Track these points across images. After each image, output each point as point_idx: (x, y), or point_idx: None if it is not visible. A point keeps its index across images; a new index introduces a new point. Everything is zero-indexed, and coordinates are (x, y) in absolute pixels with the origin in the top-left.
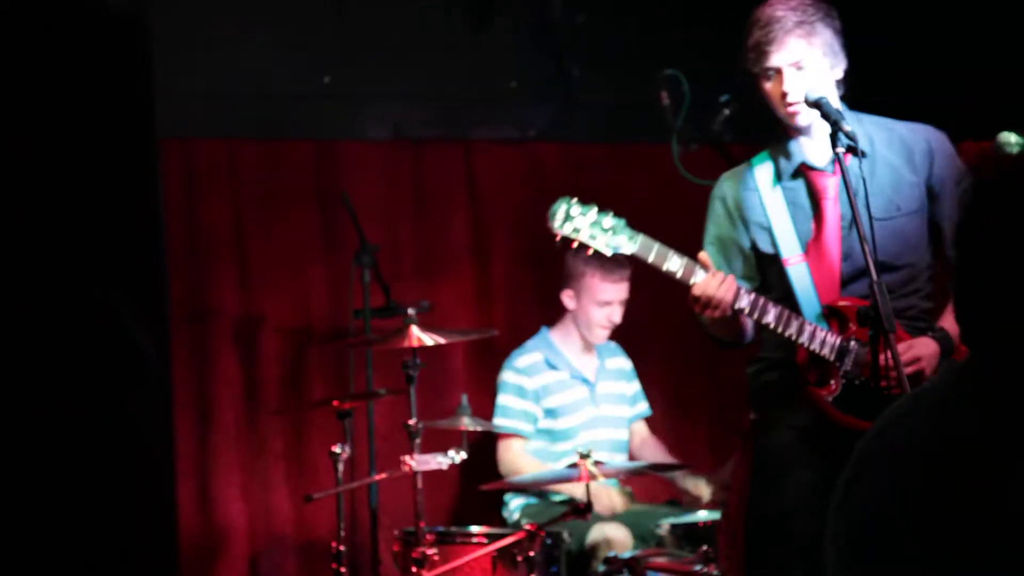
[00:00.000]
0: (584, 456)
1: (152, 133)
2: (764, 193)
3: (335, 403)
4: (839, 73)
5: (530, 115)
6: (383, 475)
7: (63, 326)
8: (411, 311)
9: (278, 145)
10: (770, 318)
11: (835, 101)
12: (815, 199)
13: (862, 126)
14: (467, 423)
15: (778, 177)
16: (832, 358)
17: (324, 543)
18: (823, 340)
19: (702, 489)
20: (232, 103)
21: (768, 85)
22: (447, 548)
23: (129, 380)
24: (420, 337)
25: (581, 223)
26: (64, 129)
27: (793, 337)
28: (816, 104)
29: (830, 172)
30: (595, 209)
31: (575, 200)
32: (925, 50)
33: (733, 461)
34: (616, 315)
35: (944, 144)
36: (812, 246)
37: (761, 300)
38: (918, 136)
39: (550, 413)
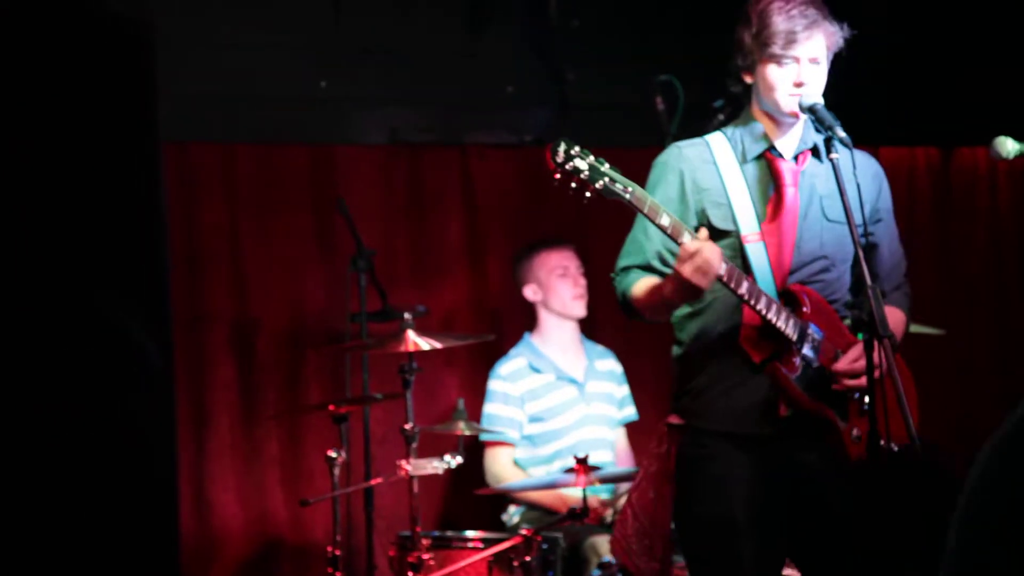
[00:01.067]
0: (581, 461)
1: (155, 136)
2: (724, 170)
3: (331, 407)
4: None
5: (526, 120)
6: (379, 479)
7: (67, 329)
8: (407, 316)
9: (274, 149)
10: (744, 289)
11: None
12: (776, 183)
13: (821, 135)
14: (463, 428)
15: (741, 158)
16: (795, 338)
17: (320, 547)
18: (787, 318)
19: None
20: (228, 107)
21: (777, 71)
22: (443, 553)
23: (132, 382)
24: (416, 342)
25: (582, 164)
26: (68, 132)
27: (762, 312)
28: (811, 109)
29: (793, 163)
30: (592, 155)
31: (574, 141)
32: (919, 56)
33: (643, 466)
34: (580, 282)
35: (883, 174)
36: (767, 229)
37: (736, 270)
38: (869, 160)
39: (536, 418)
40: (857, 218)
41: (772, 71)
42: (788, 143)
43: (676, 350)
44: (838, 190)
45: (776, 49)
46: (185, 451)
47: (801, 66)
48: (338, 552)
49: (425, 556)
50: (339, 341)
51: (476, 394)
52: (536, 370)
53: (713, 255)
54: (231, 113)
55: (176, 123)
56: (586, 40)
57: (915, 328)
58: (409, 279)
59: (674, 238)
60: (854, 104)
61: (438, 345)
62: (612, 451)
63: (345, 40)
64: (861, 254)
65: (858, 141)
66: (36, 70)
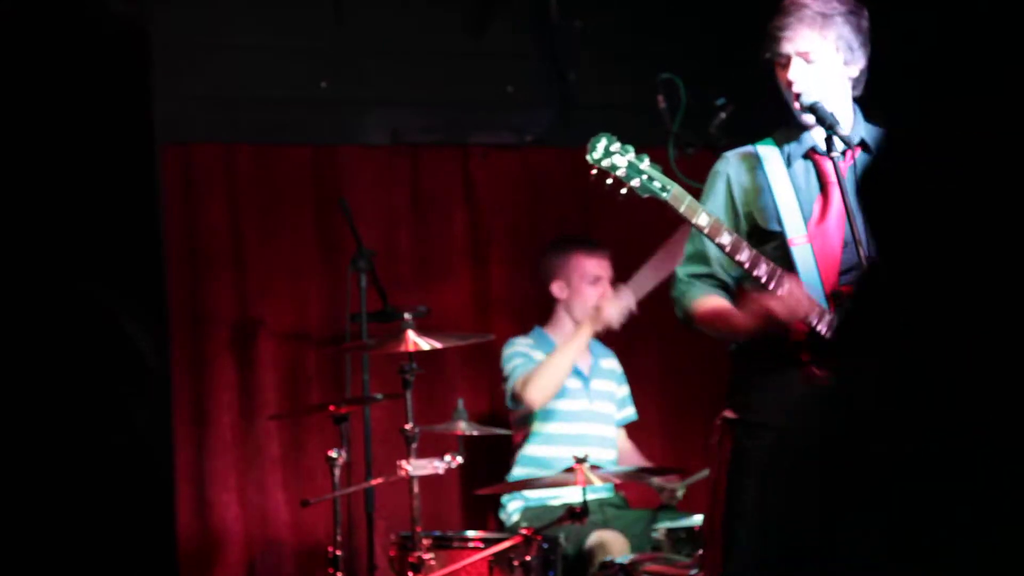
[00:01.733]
0: (581, 460)
1: (151, 138)
2: (771, 173)
3: (332, 408)
4: (854, 71)
5: (527, 120)
6: (379, 480)
7: (62, 329)
8: (408, 316)
9: (275, 150)
10: (763, 270)
11: (844, 100)
12: (822, 183)
13: (864, 125)
14: (463, 428)
15: (787, 161)
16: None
17: (321, 548)
18: (830, 323)
19: (674, 485)
20: (230, 108)
21: (778, 71)
22: (443, 553)
23: (128, 383)
24: (417, 342)
25: (620, 160)
26: (64, 133)
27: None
28: (811, 108)
29: (840, 160)
30: (634, 150)
31: (615, 137)
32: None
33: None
34: (609, 294)
35: None
36: (815, 229)
37: (778, 269)
38: None
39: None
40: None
41: (777, 71)
42: (835, 139)
43: (733, 346)
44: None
45: (766, 51)
46: (185, 451)
47: (792, 64)
48: (339, 552)
49: (426, 556)
50: (340, 341)
51: (476, 394)
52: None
53: (801, 291)
54: (233, 114)
55: (178, 124)
56: (588, 40)
57: None
58: (410, 279)
59: (712, 237)
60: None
61: (438, 345)
62: (615, 449)
63: (347, 40)
64: (862, 254)
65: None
66: (32, 69)
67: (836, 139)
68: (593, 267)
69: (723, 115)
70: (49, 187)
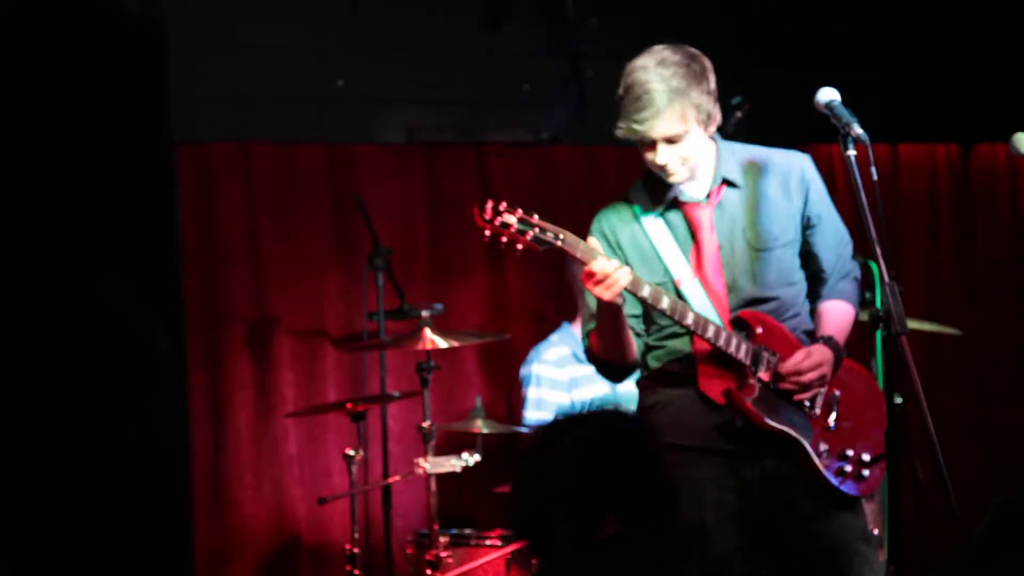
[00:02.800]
0: None
1: (168, 136)
2: (645, 223)
3: (349, 405)
4: (712, 129)
5: (543, 118)
6: (396, 477)
7: (79, 327)
8: (425, 314)
9: (292, 148)
10: (689, 320)
11: (706, 150)
12: (692, 230)
13: (735, 156)
14: (481, 425)
15: (656, 208)
16: (748, 363)
17: (338, 545)
18: (738, 345)
19: None
20: (246, 107)
21: (645, 153)
22: (461, 551)
23: (145, 381)
24: (434, 340)
25: (510, 218)
26: (80, 132)
27: (712, 340)
28: (828, 107)
29: (704, 204)
30: (521, 209)
31: (500, 200)
32: (940, 54)
33: None
34: None
35: (815, 172)
36: (697, 273)
37: (679, 303)
38: (792, 163)
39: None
40: (793, 227)
41: (642, 152)
42: (698, 186)
43: (641, 376)
44: (768, 211)
45: (625, 132)
46: (202, 449)
47: (659, 149)
48: (356, 550)
49: (443, 554)
50: (357, 339)
51: (493, 392)
52: (580, 360)
53: (619, 273)
54: (249, 113)
55: (194, 123)
56: (603, 38)
57: (933, 327)
58: (426, 277)
59: (583, 262)
60: (872, 101)
61: (455, 343)
62: None
63: (363, 39)
64: (882, 261)
65: (875, 138)
66: (49, 69)
67: (851, 137)
68: None
69: (739, 114)
70: (66, 185)
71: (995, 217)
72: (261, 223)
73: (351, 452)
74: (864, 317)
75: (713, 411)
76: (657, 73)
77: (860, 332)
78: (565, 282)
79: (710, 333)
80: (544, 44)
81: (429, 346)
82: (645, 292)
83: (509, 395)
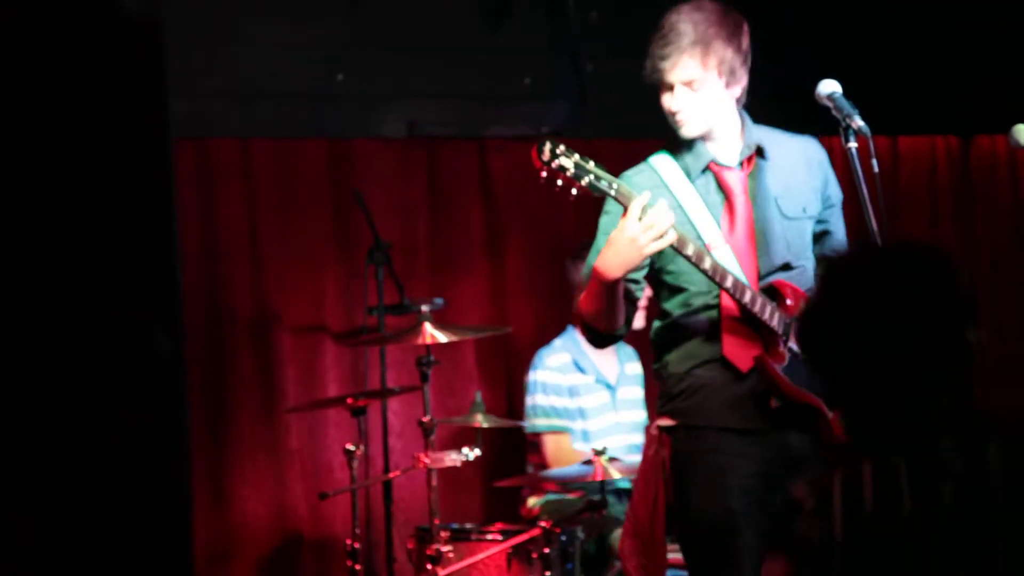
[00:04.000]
0: (599, 453)
1: (166, 133)
2: (675, 189)
3: (349, 401)
4: (736, 92)
5: (544, 112)
6: (397, 472)
7: (79, 327)
8: (425, 308)
9: (292, 144)
10: (729, 283)
11: (731, 116)
12: (725, 194)
13: (760, 131)
14: (481, 420)
15: (688, 175)
16: (779, 330)
17: (339, 540)
18: (772, 312)
19: None
20: (247, 102)
21: (663, 97)
22: (462, 545)
23: (144, 379)
24: (434, 334)
25: (567, 162)
26: (79, 130)
27: (748, 305)
28: (829, 98)
29: (738, 170)
30: (577, 154)
31: (559, 142)
32: (940, 46)
33: (640, 472)
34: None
35: (828, 158)
36: (728, 237)
37: (719, 266)
38: (813, 147)
39: (580, 413)
40: (816, 203)
41: (660, 94)
42: (730, 151)
43: (656, 364)
44: (796, 185)
45: (648, 77)
46: (204, 445)
47: (676, 92)
48: (357, 545)
49: (444, 548)
50: (357, 334)
51: (493, 387)
52: (580, 369)
53: (665, 219)
54: (249, 109)
55: (196, 119)
56: (604, 32)
57: None
58: (427, 272)
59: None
60: (872, 93)
61: (456, 338)
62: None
63: (362, 34)
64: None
65: (876, 130)
66: (48, 66)
67: (852, 129)
68: None
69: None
70: (65, 183)
71: (995, 208)
72: (262, 219)
73: (352, 447)
74: None
75: (741, 390)
76: (690, 16)
77: None
78: (566, 280)
79: (747, 298)
80: (545, 39)
81: (429, 341)
82: (690, 250)
83: (509, 390)
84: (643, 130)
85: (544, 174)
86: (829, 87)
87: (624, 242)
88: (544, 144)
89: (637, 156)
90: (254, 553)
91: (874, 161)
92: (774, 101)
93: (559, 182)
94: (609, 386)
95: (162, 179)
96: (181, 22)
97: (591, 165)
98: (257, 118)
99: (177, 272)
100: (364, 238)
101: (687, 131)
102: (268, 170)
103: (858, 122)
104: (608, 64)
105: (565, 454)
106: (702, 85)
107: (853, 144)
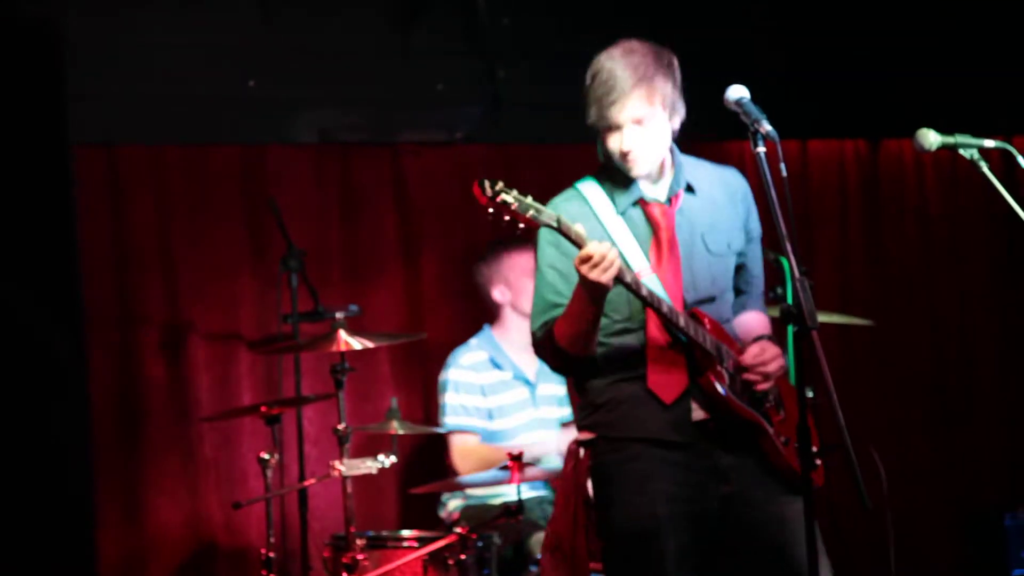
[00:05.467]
0: (515, 458)
1: (65, 139)
2: (604, 218)
3: (263, 409)
4: (677, 123)
5: (457, 117)
6: (312, 480)
7: None
8: (340, 315)
9: (204, 150)
10: (665, 308)
11: (667, 150)
12: (653, 228)
13: (689, 165)
14: (397, 427)
15: (619, 210)
16: (713, 352)
17: (254, 550)
18: (704, 335)
19: None
20: (157, 108)
21: (609, 139)
22: (378, 552)
23: (44, 384)
24: (349, 341)
25: (508, 198)
26: None
27: (684, 329)
28: (737, 104)
29: (666, 205)
30: (515, 190)
31: (496, 180)
32: (848, 51)
33: (558, 490)
34: None
35: (750, 190)
36: (656, 268)
37: (654, 294)
38: (737, 180)
39: (490, 413)
40: (739, 239)
41: (606, 138)
42: (659, 188)
43: (580, 382)
44: (721, 220)
45: (596, 121)
46: (115, 455)
47: (624, 132)
48: (272, 554)
49: (360, 556)
50: (271, 342)
51: (410, 393)
52: (497, 366)
53: (613, 255)
54: (160, 114)
55: (104, 125)
56: (516, 37)
57: (844, 319)
58: (341, 279)
59: (581, 244)
60: (784, 98)
61: (371, 345)
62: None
63: (273, 39)
64: (792, 257)
65: (785, 135)
66: None
67: (760, 134)
68: (528, 260)
69: None
70: None
71: (903, 209)
72: (174, 226)
73: (266, 456)
74: (775, 313)
75: (659, 404)
76: (626, 59)
77: (772, 327)
78: (475, 284)
79: (682, 322)
80: (457, 44)
81: (344, 348)
82: (628, 278)
83: (425, 396)
84: (556, 134)
85: (491, 210)
86: (737, 92)
87: (589, 273)
88: (484, 181)
89: (550, 159)
90: (168, 563)
91: (782, 165)
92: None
93: (507, 216)
94: (528, 382)
95: (61, 185)
96: (92, 26)
97: (529, 200)
98: (169, 124)
99: (77, 278)
100: (278, 245)
101: (639, 170)
102: (179, 177)
103: (766, 127)
104: (520, 69)
105: (471, 454)
106: (650, 121)
107: (761, 148)
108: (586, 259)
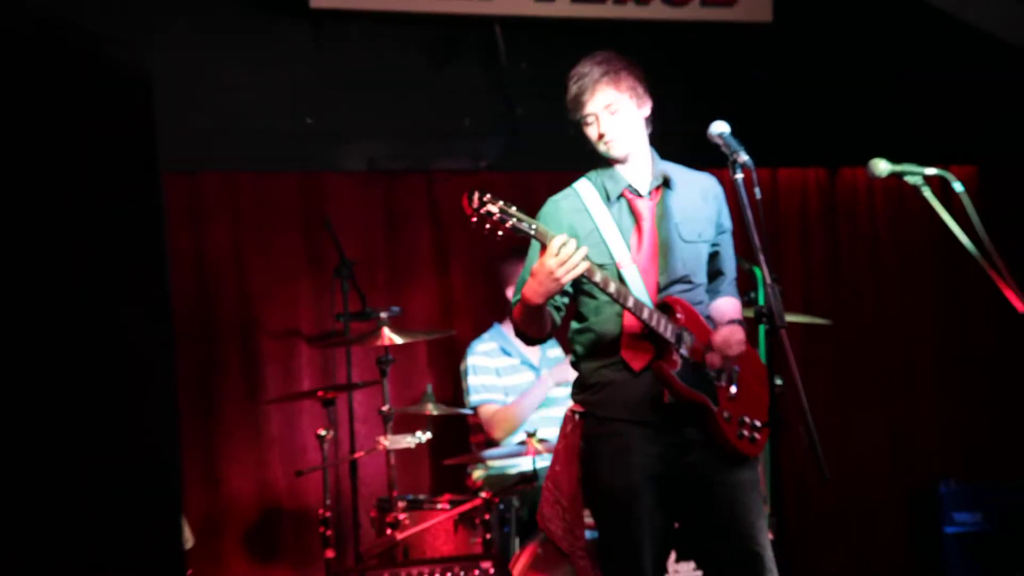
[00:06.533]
0: (531, 435)
1: (156, 168)
2: (594, 212)
3: (320, 393)
4: (647, 111)
5: (482, 148)
6: (361, 453)
7: (86, 337)
8: (383, 315)
9: (270, 177)
10: (630, 303)
11: (643, 142)
12: (635, 219)
13: (666, 165)
14: (431, 408)
15: (606, 199)
16: (672, 340)
17: (313, 511)
18: (665, 324)
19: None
20: (231, 140)
21: (588, 129)
22: (416, 513)
23: (138, 381)
24: (391, 337)
25: (492, 208)
26: (80, 168)
27: (646, 320)
28: (719, 137)
29: (646, 199)
30: (501, 201)
31: (485, 191)
32: (808, 88)
33: (556, 449)
34: None
35: (723, 192)
36: (636, 258)
37: (623, 288)
38: (710, 182)
39: (505, 391)
40: (711, 230)
41: (585, 130)
42: (642, 181)
43: (572, 358)
44: (693, 213)
45: (575, 115)
46: (197, 435)
47: (600, 118)
48: (328, 514)
49: (401, 516)
50: (326, 337)
51: (442, 380)
52: (507, 353)
53: (579, 254)
54: (233, 146)
55: (186, 155)
56: (532, 80)
57: (807, 319)
58: (385, 284)
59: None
60: (757, 132)
61: (409, 339)
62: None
63: (327, 84)
64: (765, 267)
65: (760, 163)
66: (54, 112)
67: (738, 163)
68: None
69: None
70: (68, 214)
71: (856, 227)
72: (245, 240)
73: (323, 432)
74: (749, 314)
75: (639, 388)
76: (593, 60)
77: (746, 326)
78: (498, 284)
79: (644, 315)
80: (482, 85)
81: (387, 342)
82: (598, 277)
83: (455, 383)
84: (565, 163)
85: (474, 219)
86: (719, 127)
87: (543, 274)
88: (473, 193)
89: (561, 184)
90: (241, 522)
91: (757, 189)
92: (675, 136)
93: (487, 225)
94: (533, 367)
95: (154, 207)
96: (174, 69)
97: (513, 210)
98: (239, 154)
99: (167, 284)
100: (331, 256)
101: (616, 150)
102: (249, 199)
103: (743, 157)
104: (536, 107)
105: (497, 415)
106: (619, 106)
107: (740, 175)
108: (547, 261)
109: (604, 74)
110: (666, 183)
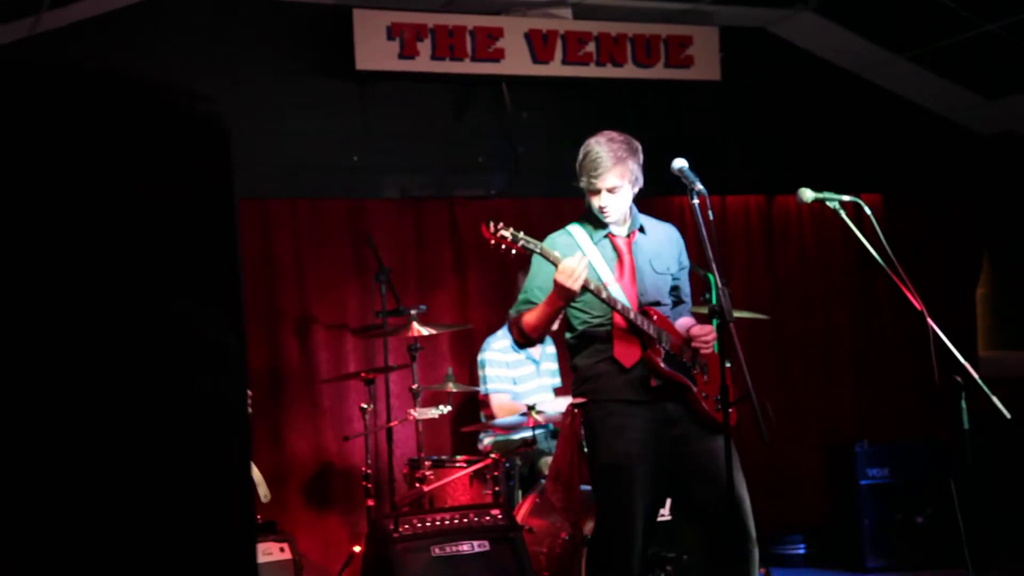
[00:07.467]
0: (531, 408)
1: (232, 194)
2: (584, 246)
3: (363, 374)
4: (636, 190)
5: (492, 180)
6: (395, 422)
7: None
8: (414, 312)
9: (323, 202)
10: (620, 307)
11: (629, 205)
12: (617, 254)
13: (641, 216)
14: (452, 387)
15: (594, 240)
16: (655, 336)
17: (357, 468)
18: (648, 324)
19: None
20: (291, 172)
21: (592, 198)
22: (439, 470)
23: (218, 366)
24: (420, 329)
25: (506, 233)
26: (172, 199)
27: (635, 321)
28: (680, 171)
29: (626, 239)
30: (512, 227)
31: (499, 220)
32: (752, 132)
33: (560, 433)
34: None
35: (682, 238)
36: (619, 280)
37: (615, 298)
38: (673, 231)
39: (515, 380)
40: (675, 266)
41: (590, 197)
42: (622, 229)
43: (573, 361)
44: (662, 252)
45: (584, 184)
46: (266, 407)
47: (602, 195)
48: (369, 471)
49: (428, 473)
50: (368, 329)
51: (460, 364)
52: (515, 349)
53: (580, 265)
54: (294, 177)
55: (258, 184)
56: (532, 126)
57: (750, 315)
58: (415, 288)
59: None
60: (709, 166)
61: (434, 332)
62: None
63: (370, 128)
64: (716, 273)
65: (712, 191)
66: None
67: (695, 191)
68: None
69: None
70: (161, 234)
71: (788, 242)
72: (303, 251)
73: (365, 406)
74: (704, 311)
75: (630, 376)
76: (607, 146)
77: (702, 321)
78: (509, 292)
79: (631, 316)
80: (492, 130)
81: (416, 334)
82: (593, 286)
83: (471, 367)
84: (558, 192)
85: (492, 241)
86: (679, 163)
87: (564, 282)
88: (490, 223)
89: (554, 210)
90: (300, 479)
91: (710, 212)
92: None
93: (503, 246)
94: (535, 361)
95: (229, 227)
96: (247, 117)
97: (521, 234)
98: (299, 184)
99: (240, 287)
100: (373, 265)
101: (610, 219)
102: (307, 219)
103: (699, 186)
104: (535, 148)
105: (504, 406)
106: (620, 190)
107: (696, 201)
108: (563, 271)
109: (615, 162)
110: (641, 229)
